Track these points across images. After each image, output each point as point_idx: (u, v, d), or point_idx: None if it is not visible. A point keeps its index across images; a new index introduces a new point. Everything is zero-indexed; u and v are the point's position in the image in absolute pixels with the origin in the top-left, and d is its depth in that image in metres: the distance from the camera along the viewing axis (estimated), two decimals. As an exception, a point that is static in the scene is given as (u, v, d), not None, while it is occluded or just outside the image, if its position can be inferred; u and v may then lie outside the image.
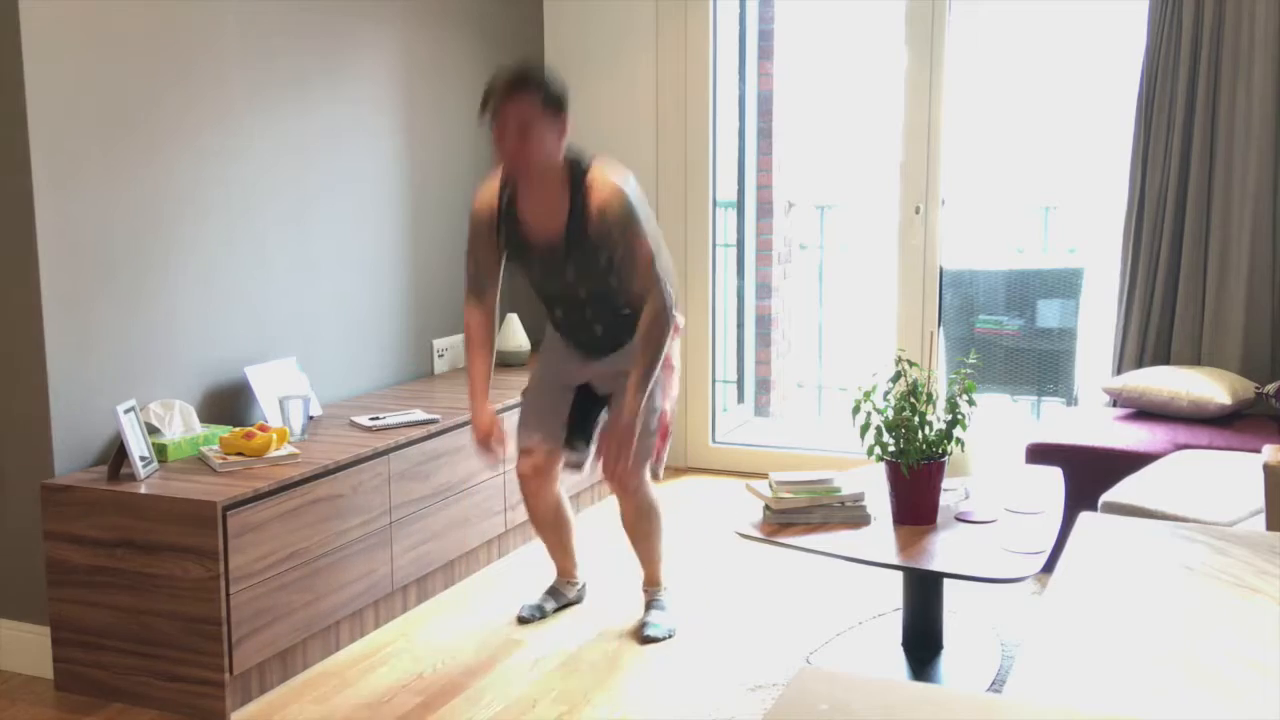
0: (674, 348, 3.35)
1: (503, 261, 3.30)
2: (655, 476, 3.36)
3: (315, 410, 3.74)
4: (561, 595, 3.63)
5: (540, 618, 3.54)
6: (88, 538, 2.98)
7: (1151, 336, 4.27)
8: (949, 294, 5.07)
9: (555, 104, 3.03)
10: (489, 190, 3.23)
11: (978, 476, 3.33)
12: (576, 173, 3.11)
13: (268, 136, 3.68)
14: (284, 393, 3.56)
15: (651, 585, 3.56)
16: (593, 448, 3.36)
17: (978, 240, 5.76)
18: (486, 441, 3.30)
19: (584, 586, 3.68)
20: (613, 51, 5.09)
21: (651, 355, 3.12)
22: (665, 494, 3.65)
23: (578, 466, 3.42)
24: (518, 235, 3.20)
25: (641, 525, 3.45)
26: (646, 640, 3.38)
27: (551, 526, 3.54)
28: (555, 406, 3.38)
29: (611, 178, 3.11)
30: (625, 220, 3.07)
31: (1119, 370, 4.34)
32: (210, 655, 2.91)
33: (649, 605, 3.52)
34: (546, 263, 3.19)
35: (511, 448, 3.46)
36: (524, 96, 2.99)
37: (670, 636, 3.42)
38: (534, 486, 3.41)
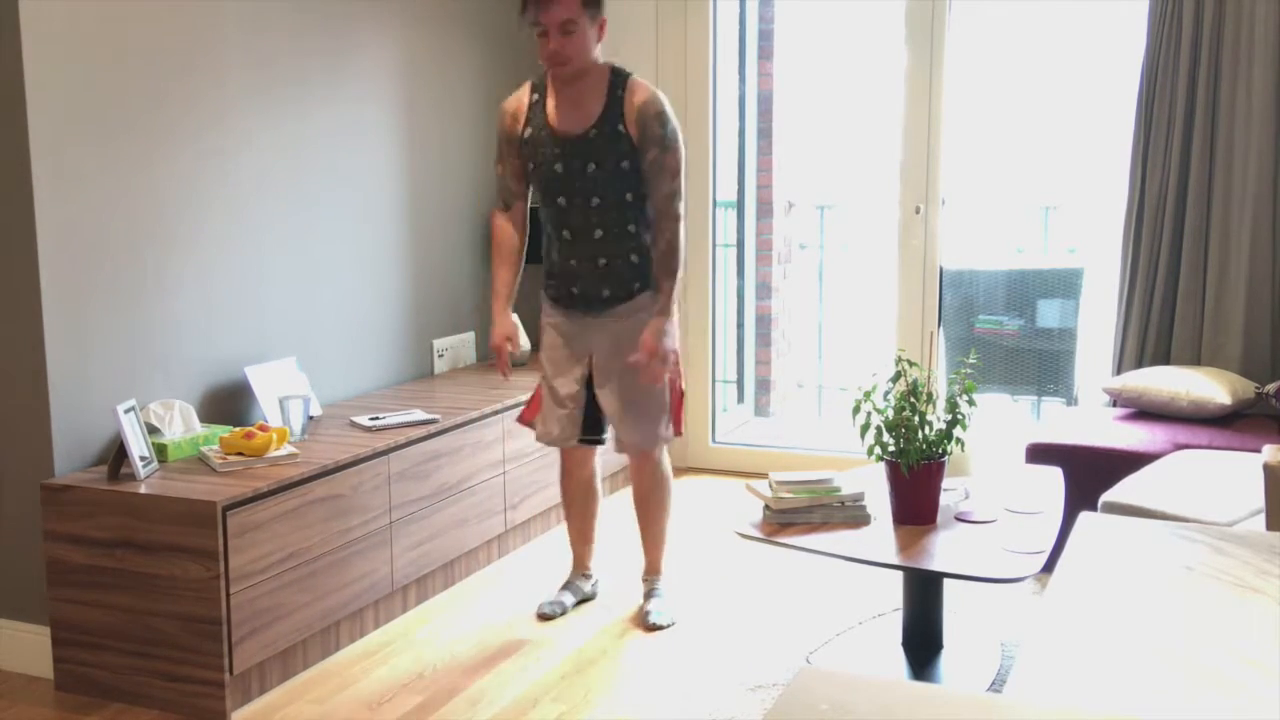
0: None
1: (529, 169, 3.35)
2: (678, 432, 3.47)
3: (315, 410, 3.74)
4: (579, 590, 3.65)
5: (561, 614, 3.55)
6: (88, 538, 2.98)
7: (1151, 336, 4.27)
8: (949, 294, 5.07)
9: (594, 3, 3.21)
10: (520, 93, 3.38)
11: (978, 476, 3.33)
12: (619, 76, 3.28)
13: (268, 137, 3.68)
14: (284, 393, 3.57)
15: (652, 573, 3.60)
16: (608, 434, 3.52)
17: (978, 240, 5.75)
18: (503, 345, 3.40)
19: (597, 582, 3.69)
20: (613, 51, 5.07)
21: (670, 280, 3.25)
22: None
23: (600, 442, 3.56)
24: (545, 131, 3.28)
25: (655, 495, 3.51)
26: (652, 628, 3.41)
27: (581, 501, 3.62)
28: (571, 415, 3.43)
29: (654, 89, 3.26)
30: (665, 119, 3.22)
31: (1119, 370, 4.34)
32: (210, 655, 2.91)
33: (649, 594, 3.55)
34: (568, 161, 3.24)
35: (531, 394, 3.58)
36: None
37: (673, 624, 3.44)
38: (574, 457, 3.57)
